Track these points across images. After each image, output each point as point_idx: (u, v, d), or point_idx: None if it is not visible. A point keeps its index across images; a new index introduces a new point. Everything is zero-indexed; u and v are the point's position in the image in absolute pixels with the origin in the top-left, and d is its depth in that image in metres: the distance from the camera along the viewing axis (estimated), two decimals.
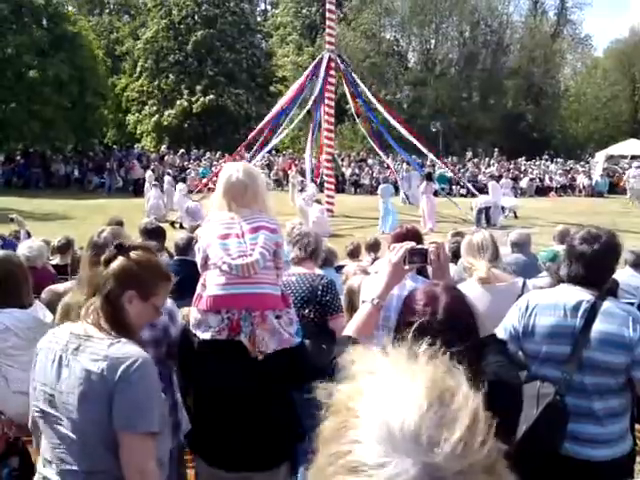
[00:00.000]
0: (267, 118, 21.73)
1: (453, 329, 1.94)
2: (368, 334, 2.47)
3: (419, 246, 2.54)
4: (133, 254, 2.50)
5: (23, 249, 6.24)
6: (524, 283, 4.11)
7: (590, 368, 2.87)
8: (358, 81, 21.35)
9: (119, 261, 2.45)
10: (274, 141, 21.90)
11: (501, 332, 3.10)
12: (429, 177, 18.63)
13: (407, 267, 2.50)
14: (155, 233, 6.00)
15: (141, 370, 2.29)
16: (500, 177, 24.01)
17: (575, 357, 2.88)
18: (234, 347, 2.97)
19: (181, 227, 16.61)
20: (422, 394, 0.78)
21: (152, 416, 2.31)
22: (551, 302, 3.00)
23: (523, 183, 28.57)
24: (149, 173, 23.09)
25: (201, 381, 3.19)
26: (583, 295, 2.96)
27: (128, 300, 2.44)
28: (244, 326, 2.96)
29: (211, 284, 3.03)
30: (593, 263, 2.97)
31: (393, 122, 21.64)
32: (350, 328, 2.45)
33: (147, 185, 21.36)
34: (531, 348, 3.01)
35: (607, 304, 2.93)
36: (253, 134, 21.82)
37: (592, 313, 2.89)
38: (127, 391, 2.26)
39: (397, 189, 23.37)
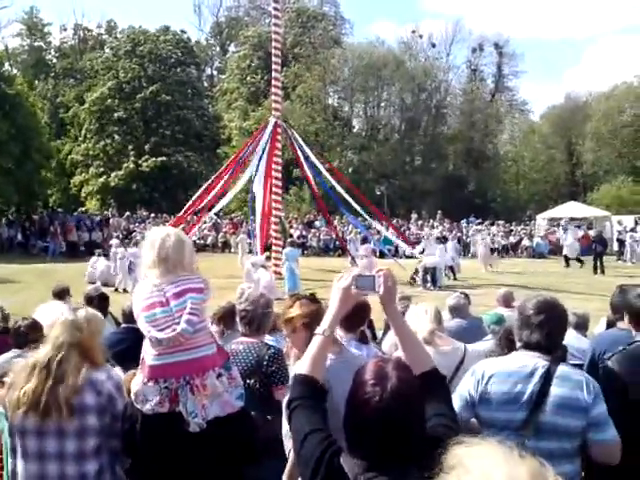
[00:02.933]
0: (210, 182, 21.68)
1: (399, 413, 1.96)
2: (322, 368, 2.41)
3: (367, 273, 2.51)
4: None
5: None
6: (465, 348, 4.20)
7: (547, 433, 2.87)
8: (304, 147, 21.66)
9: None
10: (222, 203, 21.82)
11: (456, 400, 3.08)
12: (365, 240, 18.90)
13: (355, 291, 2.45)
14: (98, 299, 6.17)
15: None
16: (445, 239, 24.48)
17: (531, 422, 2.88)
18: (177, 419, 2.87)
19: (125, 291, 16.31)
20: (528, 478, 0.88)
21: None
22: (507, 369, 3.03)
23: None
24: (115, 241, 22.50)
25: (146, 457, 3.05)
26: (538, 361, 2.99)
27: None
28: (181, 396, 2.88)
29: (148, 354, 2.95)
30: (548, 331, 3.04)
31: (339, 187, 21.97)
32: (304, 365, 2.37)
33: (113, 250, 20.80)
34: (487, 415, 3.01)
35: (561, 369, 2.98)
36: (197, 196, 21.72)
37: (547, 378, 2.92)
38: None
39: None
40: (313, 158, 21.95)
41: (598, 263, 23.03)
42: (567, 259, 25.10)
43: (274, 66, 19.66)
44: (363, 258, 17.14)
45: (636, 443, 2.95)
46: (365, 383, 2.04)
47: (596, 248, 24.02)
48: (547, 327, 3.04)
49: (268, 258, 18.78)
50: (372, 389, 2.00)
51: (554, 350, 3.06)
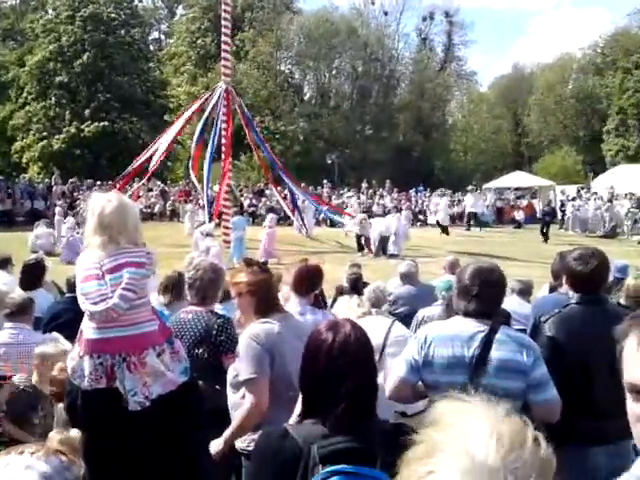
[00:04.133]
0: (156, 146, 21.06)
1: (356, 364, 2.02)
2: None
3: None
4: None
5: None
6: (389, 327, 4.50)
7: (489, 395, 2.92)
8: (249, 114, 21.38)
9: None
10: (153, 160, 21.08)
11: (402, 363, 3.15)
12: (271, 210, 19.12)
13: None
14: (34, 268, 6.31)
15: None
16: (396, 209, 24.71)
17: (473, 385, 2.94)
18: (117, 396, 2.83)
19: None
20: (508, 438, 0.86)
21: None
22: (448, 333, 3.09)
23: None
24: (58, 209, 21.80)
25: (87, 430, 3.01)
26: (477, 326, 3.06)
27: None
28: (118, 372, 2.82)
29: (86, 327, 2.89)
30: (485, 298, 3.10)
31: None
32: None
33: (57, 218, 20.19)
34: (431, 378, 3.07)
35: (501, 333, 3.04)
36: (140, 162, 21.08)
37: (487, 342, 2.99)
38: None
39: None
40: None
41: (544, 231, 23.85)
42: (440, 226, 24.97)
43: (224, 30, 19.24)
44: (267, 228, 17.23)
45: (570, 406, 3.05)
46: (319, 332, 2.12)
47: (545, 217, 25.24)
48: (483, 294, 3.08)
49: (217, 226, 18.64)
50: (324, 335, 2.07)
51: (492, 315, 3.11)
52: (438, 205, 27.28)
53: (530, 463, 0.84)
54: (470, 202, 27.46)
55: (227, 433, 3.14)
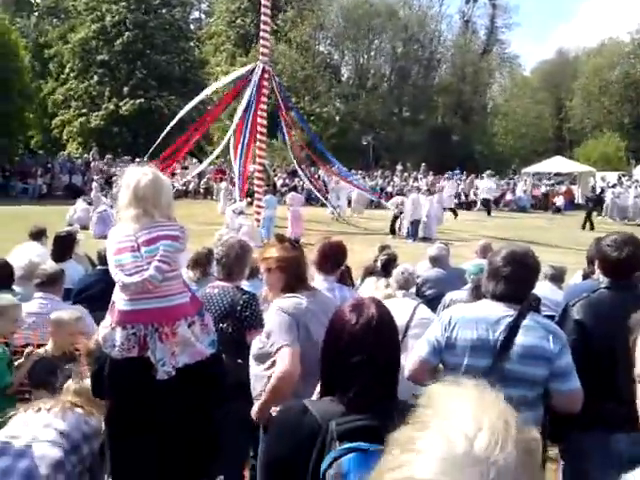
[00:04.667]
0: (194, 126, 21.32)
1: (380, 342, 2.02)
2: None
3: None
4: None
5: None
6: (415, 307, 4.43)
7: (510, 380, 2.89)
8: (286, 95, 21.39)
9: None
10: (215, 152, 21.74)
11: (424, 344, 3.11)
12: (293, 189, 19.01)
13: None
14: (65, 240, 6.42)
15: None
16: (429, 192, 24.49)
17: (496, 370, 2.90)
18: (146, 365, 2.86)
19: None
20: (492, 428, 0.83)
21: None
22: (473, 316, 3.04)
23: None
24: (95, 184, 22.20)
25: (113, 399, 3.05)
26: (505, 310, 3.01)
27: None
28: (150, 343, 2.85)
29: (118, 298, 2.91)
30: (515, 282, 3.04)
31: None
32: None
33: (93, 194, 20.53)
34: (453, 361, 3.04)
35: (528, 319, 2.99)
36: (181, 140, 21.40)
37: (514, 327, 2.94)
38: None
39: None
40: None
41: (589, 219, 23.35)
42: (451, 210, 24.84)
43: (263, 9, 19.14)
44: (289, 207, 17.25)
45: (595, 391, 2.99)
46: (343, 311, 2.11)
47: (588, 203, 24.93)
48: (514, 278, 3.03)
49: (250, 205, 18.71)
50: (349, 315, 2.06)
51: (521, 300, 3.06)
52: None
53: (514, 455, 0.81)
54: (485, 187, 26.99)
55: (260, 401, 3.16)
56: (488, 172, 30.49)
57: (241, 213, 14.83)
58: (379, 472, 0.86)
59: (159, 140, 19.59)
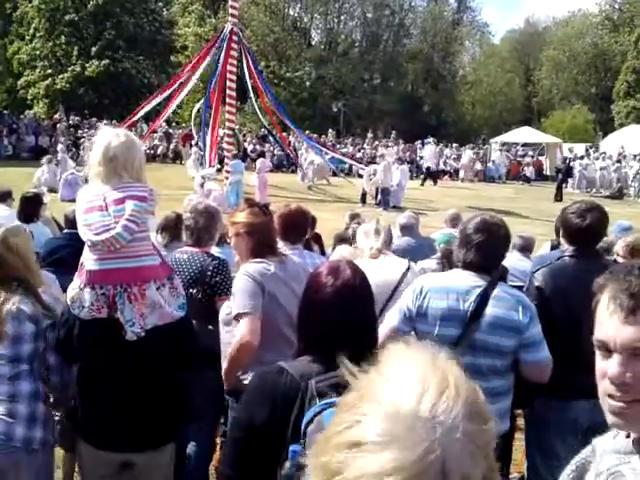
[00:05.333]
0: (161, 89, 20.95)
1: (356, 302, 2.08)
2: None
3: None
4: None
5: None
6: (409, 264, 4.24)
7: (480, 350, 2.94)
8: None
9: None
10: (168, 110, 21.18)
11: (396, 313, 3.13)
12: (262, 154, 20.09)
13: None
14: (32, 201, 6.41)
15: None
16: (400, 160, 24.47)
17: (465, 339, 2.93)
18: (115, 326, 2.83)
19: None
20: (438, 387, 0.83)
21: None
22: (444, 285, 3.06)
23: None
24: (61, 146, 21.67)
25: (82, 361, 3.02)
26: (475, 280, 3.03)
27: None
28: (119, 303, 2.83)
29: (87, 259, 2.88)
30: (486, 251, 3.06)
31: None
32: None
33: (60, 156, 20.05)
34: (424, 329, 3.06)
35: (498, 289, 3.02)
36: (148, 101, 21.01)
37: (484, 298, 2.97)
38: None
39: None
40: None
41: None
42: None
43: None
44: (258, 173, 17.22)
45: (556, 358, 3.04)
46: (319, 274, 2.15)
47: (558, 175, 25.18)
48: (485, 247, 3.05)
49: (219, 170, 18.51)
50: (325, 278, 2.10)
51: (492, 270, 3.08)
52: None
53: (461, 416, 0.81)
54: (429, 155, 26.55)
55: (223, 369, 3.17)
56: (431, 139, 29.52)
57: (210, 178, 14.67)
58: (326, 437, 0.85)
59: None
